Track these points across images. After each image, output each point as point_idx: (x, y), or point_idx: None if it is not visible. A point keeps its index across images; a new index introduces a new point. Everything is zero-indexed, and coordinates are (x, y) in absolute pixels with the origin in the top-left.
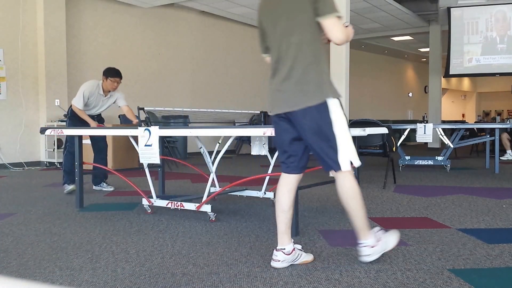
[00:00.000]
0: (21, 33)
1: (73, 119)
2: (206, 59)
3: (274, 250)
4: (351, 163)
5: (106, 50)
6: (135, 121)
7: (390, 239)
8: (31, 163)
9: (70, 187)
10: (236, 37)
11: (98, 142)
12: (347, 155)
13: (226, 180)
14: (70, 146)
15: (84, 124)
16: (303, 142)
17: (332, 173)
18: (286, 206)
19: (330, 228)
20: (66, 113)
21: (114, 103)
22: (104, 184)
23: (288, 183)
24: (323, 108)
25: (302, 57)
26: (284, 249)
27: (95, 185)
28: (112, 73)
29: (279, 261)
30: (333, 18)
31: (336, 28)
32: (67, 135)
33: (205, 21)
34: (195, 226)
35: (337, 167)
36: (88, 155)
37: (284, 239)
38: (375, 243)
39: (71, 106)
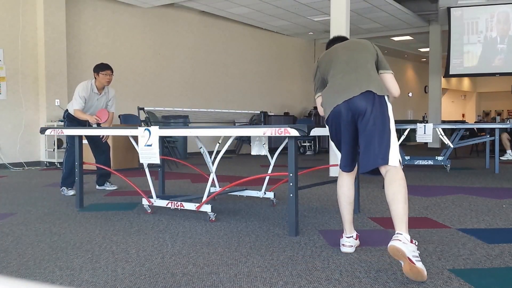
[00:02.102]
0: (21, 33)
1: (72, 123)
2: (206, 59)
3: (344, 237)
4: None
5: (106, 50)
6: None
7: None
8: (31, 163)
9: (72, 192)
10: (236, 37)
11: (100, 144)
12: (397, 153)
13: (226, 180)
14: (71, 147)
15: (83, 126)
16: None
17: (382, 169)
18: (352, 198)
19: (330, 228)
20: (63, 119)
21: (109, 101)
22: (108, 183)
23: (352, 178)
24: (384, 102)
25: (366, 69)
26: (353, 236)
27: (98, 186)
28: (102, 67)
29: (352, 246)
30: (392, 75)
31: (395, 83)
32: (67, 139)
33: (205, 21)
34: (195, 226)
35: (387, 161)
36: (89, 156)
37: (352, 227)
38: (411, 239)
39: (66, 111)
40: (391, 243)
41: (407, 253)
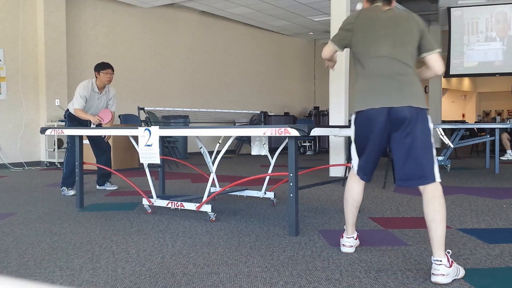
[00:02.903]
0: (21, 33)
1: (73, 123)
2: (206, 59)
3: (345, 237)
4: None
5: (106, 50)
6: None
7: (460, 268)
8: (31, 163)
9: (72, 192)
10: (236, 37)
11: (101, 144)
12: (438, 168)
13: (226, 180)
14: (71, 146)
15: (84, 126)
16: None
17: (421, 188)
18: (359, 203)
19: (330, 228)
20: (63, 118)
21: (110, 100)
22: (108, 183)
23: (363, 184)
24: (426, 114)
25: (409, 71)
26: (353, 236)
27: (99, 186)
28: (103, 66)
29: (352, 246)
30: (438, 54)
31: (441, 60)
32: (68, 138)
33: (205, 21)
34: (195, 226)
35: (433, 179)
36: (89, 156)
37: (354, 229)
38: (450, 264)
39: (67, 110)
40: (434, 278)
41: (451, 281)
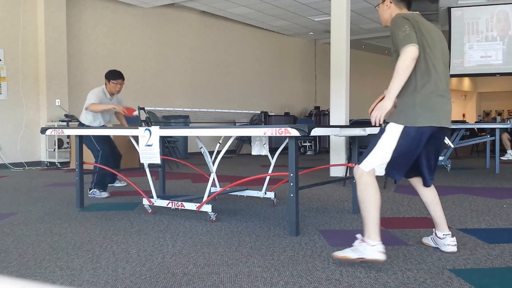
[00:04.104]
0: (22, 33)
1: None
2: (207, 59)
3: (378, 244)
4: None
5: (106, 50)
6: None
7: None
8: (32, 163)
9: (106, 194)
10: (236, 37)
11: (113, 150)
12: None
13: (227, 180)
14: (102, 149)
15: (97, 138)
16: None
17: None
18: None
19: (330, 228)
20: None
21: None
22: (117, 180)
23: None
24: None
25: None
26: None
27: (109, 184)
28: (114, 75)
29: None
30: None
31: None
32: (95, 145)
33: (205, 21)
34: (195, 226)
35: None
36: (89, 156)
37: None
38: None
39: (79, 123)
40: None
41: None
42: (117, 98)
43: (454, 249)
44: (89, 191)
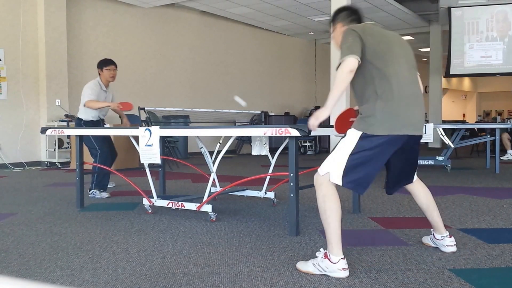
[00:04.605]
0: (22, 33)
1: (89, 125)
2: (207, 59)
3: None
4: None
5: (106, 50)
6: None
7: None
8: (32, 163)
9: (106, 194)
10: (237, 37)
11: (111, 149)
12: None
13: (227, 180)
14: (101, 148)
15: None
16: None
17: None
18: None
19: None
20: (78, 123)
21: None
22: (103, 192)
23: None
24: None
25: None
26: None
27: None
28: (106, 62)
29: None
30: None
31: None
32: (93, 144)
33: (205, 21)
34: (195, 226)
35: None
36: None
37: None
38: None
39: (78, 119)
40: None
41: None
42: (111, 90)
43: (454, 249)
44: (89, 191)
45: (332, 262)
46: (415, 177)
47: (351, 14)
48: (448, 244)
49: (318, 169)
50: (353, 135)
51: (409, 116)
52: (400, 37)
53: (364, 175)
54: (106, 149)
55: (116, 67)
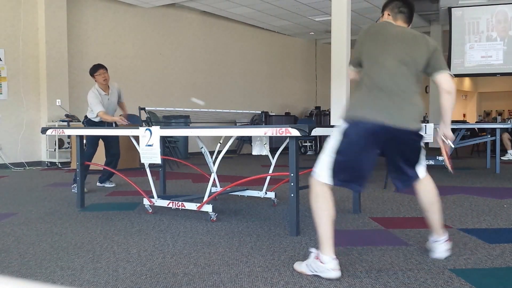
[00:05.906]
0: (22, 33)
1: (91, 124)
2: (207, 59)
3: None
4: None
5: (107, 50)
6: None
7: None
8: (32, 163)
9: (109, 184)
10: (237, 37)
11: (113, 148)
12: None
13: (227, 180)
14: (88, 148)
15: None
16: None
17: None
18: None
19: None
20: (82, 125)
21: (119, 99)
22: (108, 182)
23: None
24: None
25: (415, 89)
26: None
27: (100, 183)
28: (94, 69)
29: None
30: (447, 76)
31: (451, 83)
32: (86, 137)
33: (206, 21)
34: (196, 226)
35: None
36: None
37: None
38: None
39: (85, 117)
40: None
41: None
42: (113, 87)
43: (443, 255)
44: (99, 183)
45: (322, 263)
46: (424, 174)
47: (401, 5)
48: (440, 251)
49: (315, 169)
50: (335, 132)
51: (389, 106)
52: (409, 35)
53: (352, 171)
54: (91, 150)
55: (106, 69)
